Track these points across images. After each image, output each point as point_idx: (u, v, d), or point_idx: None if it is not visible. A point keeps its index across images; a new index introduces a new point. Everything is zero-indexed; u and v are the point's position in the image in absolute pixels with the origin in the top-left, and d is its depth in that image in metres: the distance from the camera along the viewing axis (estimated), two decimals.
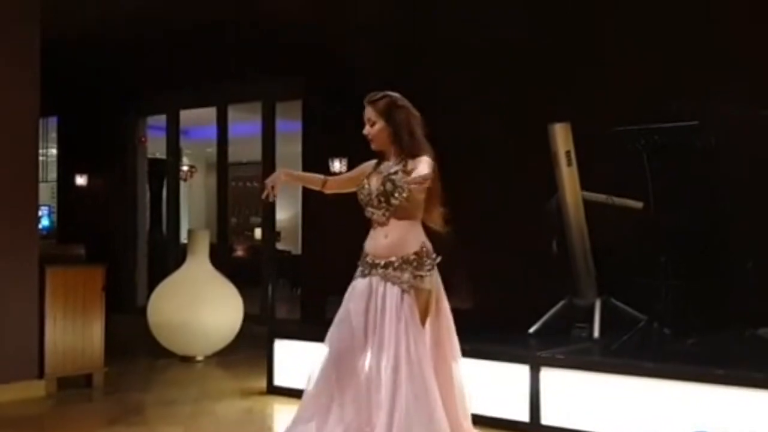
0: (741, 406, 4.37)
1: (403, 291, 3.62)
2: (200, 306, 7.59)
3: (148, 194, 12.45)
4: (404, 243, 3.67)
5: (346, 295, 3.78)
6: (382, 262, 3.67)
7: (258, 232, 14.49)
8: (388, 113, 3.70)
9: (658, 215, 5.44)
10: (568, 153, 6.00)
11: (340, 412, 3.63)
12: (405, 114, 3.71)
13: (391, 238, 3.67)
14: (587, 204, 6.09)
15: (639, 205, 5.94)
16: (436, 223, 3.75)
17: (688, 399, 4.52)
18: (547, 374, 4.99)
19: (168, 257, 11.29)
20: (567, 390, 4.95)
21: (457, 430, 3.68)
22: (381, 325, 3.62)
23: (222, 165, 11.31)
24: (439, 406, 3.54)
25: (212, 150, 12.29)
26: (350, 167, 5.65)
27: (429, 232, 3.74)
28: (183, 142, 12.53)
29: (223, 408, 5.86)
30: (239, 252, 15.84)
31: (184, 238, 11.00)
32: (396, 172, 3.64)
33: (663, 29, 6.75)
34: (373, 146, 3.77)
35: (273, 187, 3.88)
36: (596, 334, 5.83)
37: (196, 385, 6.77)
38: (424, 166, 3.49)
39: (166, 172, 11.92)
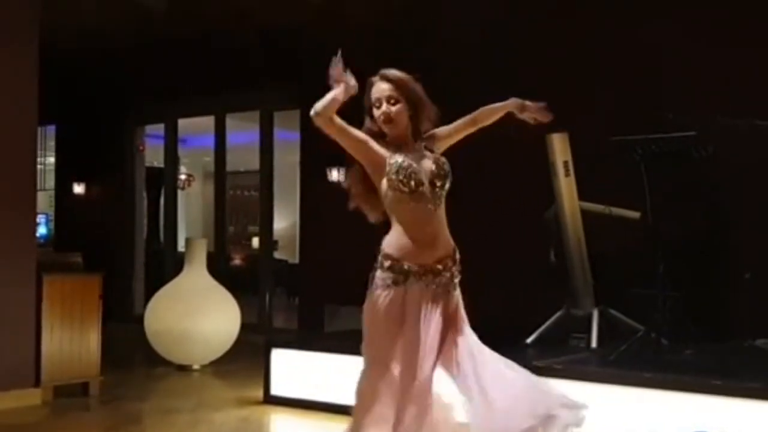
0: (738, 416, 4.37)
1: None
2: (197, 315, 7.58)
3: (145, 202, 12.45)
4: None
5: None
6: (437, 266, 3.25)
7: (256, 241, 14.48)
8: (408, 89, 3.29)
9: (656, 225, 5.45)
10: (565, 163, 6.01)
11: None
12: (421, 88, 3.33)
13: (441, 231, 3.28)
14: (585, 214, 6.09)
15: (636, 215, 5.95)
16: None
17: (685, 409, 4.52)
18: None
19: (165, 266, 11.28)
20: None
21: None
22: None
23: (220, 174, 11.32)
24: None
25: (210, 159, 12.31)
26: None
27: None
28: (181, 151, 12.54)
29: (220, 417, 5.83)
30: (237, 261, 15.82)
31: (181, 246, 10.99)
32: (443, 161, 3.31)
33: (661, 38, 6.77)
34: (390, 130, 3.27)
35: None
36: (594, 344, 5.83)
37: (193, 394, 6.75)
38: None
39: (164, 180, 11.92)
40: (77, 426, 5.82)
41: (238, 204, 17.60)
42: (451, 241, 3.32)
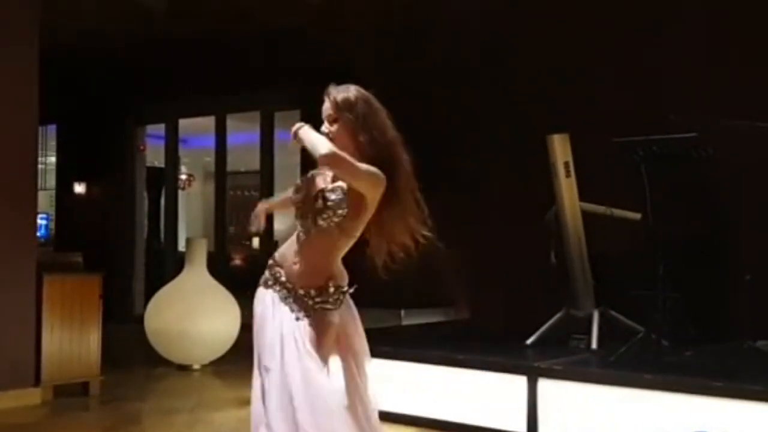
0: (739, 418, 4.37)
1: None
2: (197, 315, 7.58)
3: (146, 202, 12.46)
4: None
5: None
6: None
7: (256, 242, 14.47)
8: (347, 110, 3.07)
9: (657, 226, 5.44)
10: (566, 164, 6.00)
11: None
12: (371, 112, 3.10)
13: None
14: (585, 215, 6.09)
15: (637, 216, 5.94)
16: (404, 244, 3.15)
17: (686, 410, 4.51)
18: (544, 385, 4.98)
19: (166, 266, 11.29)
20: (564, 401, 4.94)
21: None
22: None
23: (220, 174, 11.32)
24: None
25: (210, 159, 12.30)
26: None
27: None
28: (181, 151, 12.54)
29: (220, 417, 5.83)
30: (237, 261, 15.82)
31: (181, 246, 10.99)
32: (334, 190, 3.05)
33: (662, 39, 6.77)
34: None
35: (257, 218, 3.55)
36: (594, 345, 5.82)
37: (193, 394, 6.75)
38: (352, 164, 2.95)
39: (165, 180, 11.92)
40: (77, 426, 5.81)
41: (239, 204, 17.59)
42: (325, 276, 3.15)
